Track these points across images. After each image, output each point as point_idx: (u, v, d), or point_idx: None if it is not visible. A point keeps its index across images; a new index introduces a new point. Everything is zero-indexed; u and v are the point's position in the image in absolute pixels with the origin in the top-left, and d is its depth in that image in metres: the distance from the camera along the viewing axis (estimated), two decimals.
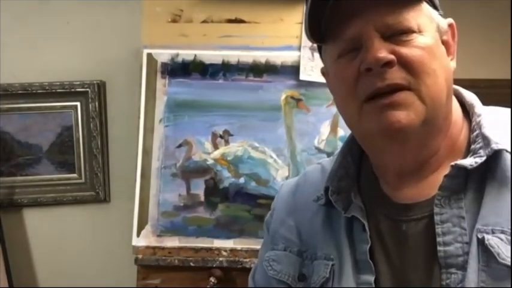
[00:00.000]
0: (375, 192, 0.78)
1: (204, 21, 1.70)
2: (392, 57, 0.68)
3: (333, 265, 0.77)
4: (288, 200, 0.88)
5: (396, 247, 0.73)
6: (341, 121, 1.64)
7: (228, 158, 1.66)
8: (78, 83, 1.90)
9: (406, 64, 0.68)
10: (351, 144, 0.82)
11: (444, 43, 0.74)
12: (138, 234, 1.63)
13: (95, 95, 1.89)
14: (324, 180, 0.81)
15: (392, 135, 0.70)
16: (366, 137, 0.75)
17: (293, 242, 0.83)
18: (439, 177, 0.71)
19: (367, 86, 0.69)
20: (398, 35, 0.69)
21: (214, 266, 1.60)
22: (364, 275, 0.73)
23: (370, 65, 0.68)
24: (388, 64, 0.68)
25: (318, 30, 0.74)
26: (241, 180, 1.65)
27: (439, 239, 0.69)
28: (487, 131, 0.71)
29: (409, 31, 0.69)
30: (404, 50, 0.68)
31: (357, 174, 0.81)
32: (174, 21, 1.70)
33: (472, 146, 0.72)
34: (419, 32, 0.70)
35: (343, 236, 0.77)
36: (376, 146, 0.74)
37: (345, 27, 0.71)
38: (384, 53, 0.68)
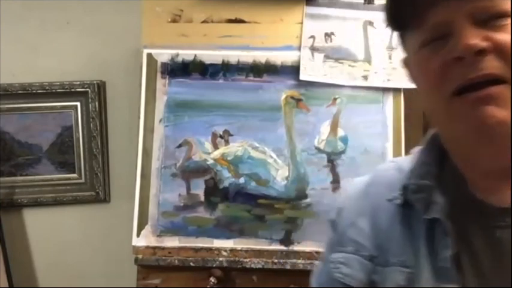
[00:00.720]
0: (462, 194, 0.70)
1: (204, 21, 1.70)
2: (486, 44, 0.60)
3: (409, 273, 0.69)
4: (358, 200, 0.80)
5: (487, 255, 0.65)
6: (341, 121, 1.64)
7: (228, 158, 1.66)
8: (78, 83, 1.90)
9: (501, 52, 0.60)
10: (432, 141, 0.75)
11: None
12: (138, 234, 1.63)
13: (95, 95, 1.89)
14: (401, 179, 0.75)
15: (486, 134, 0.61)
16: (455, 135, 0.66)
17: (363, 245, 0.76)
18: None
19: (456, 77, 0.62)
20: (492, 19, 0.61)
21: (214, 266, 1.60)
22: (446, 284, 0.65)
23: (461, 53, 0.61)
24: (482, 52, 0.60)
25: (400, 16, 0.68)
26: (241, 180, 1.65)
27: None
28: None
29: (505, 15, 0.61)
30: (499, 37, 0.60)
31: (439, 173, 0.73)
32: (174, 21, 1.70)
33: None
34: None
35: (421, 241, 0.70)
36: (467, 145, 0.65)
37: (430, 12, 0.64)
38: (476, 39, 0.60)
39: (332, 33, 1.66)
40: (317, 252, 1.58)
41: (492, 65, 0.60)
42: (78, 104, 1.90)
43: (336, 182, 1.62)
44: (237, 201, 1.64)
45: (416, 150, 0.78)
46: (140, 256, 1.62)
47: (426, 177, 0.72)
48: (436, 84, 0.64)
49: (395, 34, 0.75)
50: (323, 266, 0.82)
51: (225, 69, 1.67)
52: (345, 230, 0.79)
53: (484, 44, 0.60)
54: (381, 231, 0.75)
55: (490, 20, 0.61)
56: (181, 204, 1.64)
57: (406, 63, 0.74)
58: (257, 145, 1.66)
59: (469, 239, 0.67)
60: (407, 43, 0.71)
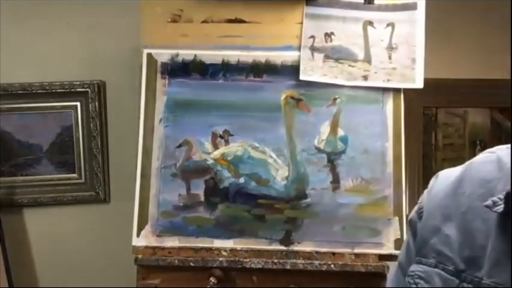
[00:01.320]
0: None
1: (204, 21, 1.70)
2: None
3: None
4: (445, 200, 0.68)
5: None
6: (341, 121, 1.64)
7: (228, 158, 1.66)
8: (78, 83, 1.90)
9: None
10: None
11: None
12: (138, 234, 1.63)
13: (95, 95, 1.89)
14: (502, 178, 0.63)
15: None
16: None
17: (448, 257, 0.64)
18: None
19: None
20: None
21: (214, 266, 1.60)
22: None
23: None
24: None
25: None
26: (241, 180, 1.65)
27: None
28: None
29: None
30: None
31: None
32: (174, 21, 1.70)
33: None
34: None
35: None
36: None
37: None
38: None
39: (332, 33, 1.66)
40: (317, 252, 1.58)
41: None
42: (78, 104, 1.91)
43: (336, 182, 1.62)
44: (237, 201, 1.64)
45: None
46: (140, 256, 1.62)
47: None
48: None
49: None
50: (396, 275, 0.73)
51: (225, 69, 1.67)
52: (427, 238, 0.68)
53: None
54: (473, 241, 0.63)
55: None
56: (181, 204, 1.64)
57: None
58: (257, 145, 1.66)
59: None
60: None
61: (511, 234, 0.60)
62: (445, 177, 0.71)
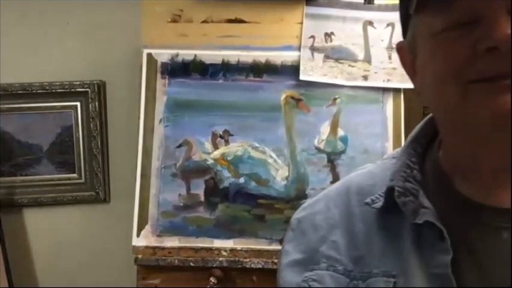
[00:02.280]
0: (450, 195, 0.67)
1: (204, 21, 1.70)
2: None
3: (395, 282, 0.64)
4: (328, 212, 0.75)
5: (493, 260, 0.61)
6: (341, 121, 1.64)
7: (228, 158, 1.66)
8: (78, 83, 1.90)
9: None
10: (415, 144, 0.73)
11: None
12: (138, 234, 1.63)
13: (95, 95, 1.89)
14: (376, 184, 0.71)
15: (507, 123, 0.59)
16: (469, 123, 0.62)
17: (337, 259, 0.70)
18: None
19: (486, 67, 0.59)
20: None
21: (214, 266, 1.60)
22: None
23: (497, 44, 0.57)
24: None
25: None
26: (241, 180, 1.65)
27: None
28: None
29: None
30: None
31: (421, 176, 0.70)
32: (174, 21, 1.70)
33: None
34: None
35: (407, 248, 0.65)
36: (479, 135, 0.62)
37: None
38: None
39: (332, 33, 1.66)
40: None
41: None
42: (78, 104, 1.90)
43: (335, 182, 1.62)
44: (237, 201, 1.64)
45: (391, 155, 0.76)
46: (140, 256, 1.62)
47: (410, 179, 0.68)
48: (458, 70, 0.60)
49: (401, 15, 0.70)
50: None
51: (225, 69, 1.67)
52: (316, 246, 0.73)
53: None
54: (358, 240, 0.70)
55: None
56: (181, 204, 1.64)
57: (403, 47, 0.71)
58: (257, 145, 1.66)
59: (469, 243, 0.63)
60: (418, 26, 0.67)
61: (389, 226, 0.68)
62: (326, 192, 0.79)
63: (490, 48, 0.58)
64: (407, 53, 0.71)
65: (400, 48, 0.73)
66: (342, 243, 0.71)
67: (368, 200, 0.71)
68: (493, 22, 0.58)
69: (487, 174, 0.64)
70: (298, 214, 0.80)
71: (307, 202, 0.82)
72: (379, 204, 0.69)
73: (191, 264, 1.61)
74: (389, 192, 0.68)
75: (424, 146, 0.73)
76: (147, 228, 1.63)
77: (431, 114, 0.73)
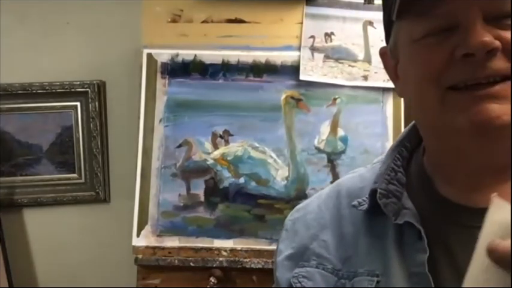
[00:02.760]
0: (431, 196, 0.69)
1: (204, 21, 1.70)
2: (498, 43, 0.59)
3: (378, 281, 0.67)
4: (320, 213, 0.78)
5: (468, 257, 0.60)
6: (341, 121, 1.64)
7: (228, 158, 1.66)
8: (78, 83, 1.90)
9: (508, 52, 0.60)
10: (399, 147, 0.75)
11: None
12: (138, 234, 1.63)
13: (95, 95, 1.89)
14: (365, 187, 0.74)
15: (483, 131, 0.60)
16: (449, 127, 0.63)
17: (327, 258, 0.73)
18: None
19: (462, 73, 0.60)
20: (503, 18, 0.60)
21: (214, 266, 1.60)
22: None
23: (472, 50, 0.59)
24: (493, 51, 0.59)
25: (395, 2, 0.64)
26: (241, 180, 1.65)
27: None
28: None
29: None
30: (508, 36, 0.60)
31: (405, 179, 0.73)
32: (174, 21, 1.70)
33: None
34: None
35: (390, 247, 0.68)
36: (456, 141, 0.64)
37: (438, 2, 0.61)
38: (489, 37, 0.58)
39: (332, 33, 1.66)
40: None
41: (501, 65, 0.60)
42: (78, 104, 1.90)
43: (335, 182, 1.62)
44: (237, 201, 1.64)
45: (378, 159, 0.78)
46: (140, 256, 1.62)
47: (393, 182, 0.71)
48: (434, 77, 0.62)
49: (384, 22, 0.72)
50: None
51: (225, 69, 1.67)
52: (307, 243, 0.76)
53: (496, 42, 0.59)
54: (346, 241, 0.72)
55: (501, 18, 0.60)
56: (181, 204, 1.64)
57: (386, 52, 0.72)
58: (257, 145, 1.66)
59: (446, 241, 0.65)
60: (398, 32, 0.68)
61: (374, 227, 0.70)
62: (318, 195, 0.82)
63: (466, 54, 0.59)
64: (389, 58, 0.72)
65: (383, 53, 0.74)
66: (332, 243, 0.73)
67: (355, 202, 0.73)
68: (470, 29, 0.59)
69: (463, 177, 0.67)
70: (292, 216, 0.83)
71: (300, 204, 0.84)
72: (364, 206, 0.72)
73: (191, 264, 1.61)
74: (373, 194, 0.70)
75: (409, 149, 0.75)
76: (147, 228, 1.63)
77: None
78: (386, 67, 0.74)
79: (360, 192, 0.74)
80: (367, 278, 0.68)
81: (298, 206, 0.84)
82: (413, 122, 0.76)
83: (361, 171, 0.81)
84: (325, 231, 0.75)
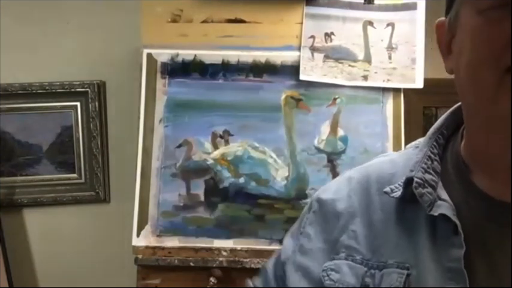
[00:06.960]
0: (468, 188, 0.66)
1: (204, 21, 1.70)
2: None
3: (408, 275, 0.64)
4: (348, 201, 0.74)
5: (505, 257, 0.60)
6: (341, 121, 1.64)
7: (228, 158, 1.66)
8: (78, 83, 1.90)
9: None
10: (436, 134, 0.71)
11: None
12: (138, 234, 1.63)
13: (95, 95, 1.89)
14: (396, 173, 0.71)
15: None
16: (500, 116, 0.58)
17: (356, 249, 0.70)
18: None
19: None
20: None
21: (214, 266, 1.60)
22: (457, 285, 0.60)
23: None
24: None
25: None
26: (241, 180, 1.65)
27: None
28: None
29: None
30: None
31: (440, 167, 0.69)
32: (174, 21, 1.70)
33: None
34: None
35: (423, 240, 0.65)
36: (505, 130, 0.59)
37: None
38: None
39: (332, 33, 1.66)
40: None
41: None
42: (78, 104, 1.91)
43: None
44: (237, 201, 1.64)
45: (414, 144, 0.75)
46: (140, 256, 1.62)
47: (430, 171, 0.67)
48: (492, 57, 0.57)
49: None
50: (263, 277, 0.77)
51: (225, 69, 1.67)
52: (337, 236, 0.73)
53: None
54: (375, 229, 0.69)
55: None
56: (181, 204, 1.64)
57: (450, 25, 0.66)
58: (257, 145, 1.66)
59: (483, 239, 0.62)
60: (467, 1, 0.62)
61: (406, 217, 0.67)
62: (344, 179, 0.77)
63: None
64: (446, 31, 0.67)
65: (440, 25, 0.69)
66: (361, 233, 0.70)
67: (387, 189, 0.70)
68: None
69: (504, 171, 0.62)
70: (319, 197, 0.78)
71: (328, 185, 0.80)
72: (397, 193, 0.68)
73: (191, 264, 1.61)
74: (408, 182, 0.67)
75: (446, 137, 0.72)
76: (147, 228, 1.63)
77: (455, 106, 0.72)
78: (439, 41, 0.69)
79: (391, 178, 0.71)
80: (397, 270, 0.65)
81: (325, 187, 0.80)
82: (452, 108, 0.73)
83: (392, 156, 0.77)
84: (354, 221, 0.72)
